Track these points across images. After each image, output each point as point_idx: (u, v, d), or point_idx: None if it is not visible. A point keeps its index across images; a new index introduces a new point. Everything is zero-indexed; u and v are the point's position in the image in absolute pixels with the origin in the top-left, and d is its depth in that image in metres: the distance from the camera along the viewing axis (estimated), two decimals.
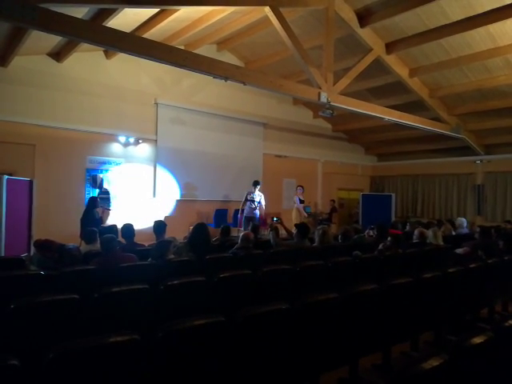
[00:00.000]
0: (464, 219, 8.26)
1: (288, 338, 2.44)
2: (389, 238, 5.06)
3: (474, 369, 1.92)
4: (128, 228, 5.01)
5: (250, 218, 8.71)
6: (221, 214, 9.56)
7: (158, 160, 9.50)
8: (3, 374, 1.56)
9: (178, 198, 9.84)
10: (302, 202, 10.41)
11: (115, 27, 5.00)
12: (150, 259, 4.02)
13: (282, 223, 6.40)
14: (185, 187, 9.88)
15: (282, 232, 6.67)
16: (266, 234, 8.36)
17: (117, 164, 8.95)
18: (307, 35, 8.11)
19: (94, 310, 2.62)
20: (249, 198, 8.88)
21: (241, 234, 4.92)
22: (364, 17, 7.42)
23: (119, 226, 5.32)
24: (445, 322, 3.85)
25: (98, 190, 8.52)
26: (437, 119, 9.99)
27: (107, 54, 8.57)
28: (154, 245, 4.48)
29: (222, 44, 9.70)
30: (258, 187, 9.01)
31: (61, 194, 8.14)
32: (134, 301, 2.78)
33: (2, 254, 5.93)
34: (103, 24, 5.80)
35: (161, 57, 5.23)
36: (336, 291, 2.74)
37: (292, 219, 9.87)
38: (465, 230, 7.62)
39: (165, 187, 9.61)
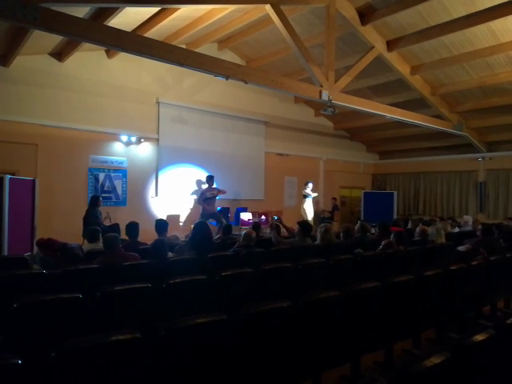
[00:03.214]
0: (470, 217, 8.28)
1: (290, 335, 2.45)
2: (392, 235, 5.06)
3: (476, 366, 1.92)
4: (133, 226, 4.99)
5: (213, 215, 8.82)
6: (222, 213, 9.55)
7: (160, 159, 9.52)
8: (6, 373, 1.56)
9: (180, 196, 9.85)
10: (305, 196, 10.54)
11: (116, 26, 5.02)
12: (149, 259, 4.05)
13: (281, 222, 6.40)
14: (187, 186, 9.89)
15: (283, 230, 6.67)
16: (268, 232, 8.37)
17: (119, 163, 8.97)
18: (308, 33, 8.11)
19: (97, 309, 2.62)
20: (209, 195, 8.91)
21: (243, 233, 4.93)
22: (365, 14, 7.41)
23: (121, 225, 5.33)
24: (447, 320, 3.85)
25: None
26: (438, 117, 9.96)
27: (109, 54, 8.58)
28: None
29: (223, 42, 9.69)
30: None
31: (63, 193, 8.15)
32: (137, 299, 2.79)
33: (5, 253, 5.95)
34: (104, 23, 5.81)
35: (162, 56, 5.23)
36: (338, 289, 2.74)
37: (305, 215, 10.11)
38: (468, 228, 7.63)
39: (167, 186, 9.63)
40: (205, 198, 8.90)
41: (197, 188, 9.91)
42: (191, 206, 9.95)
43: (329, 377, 2.88)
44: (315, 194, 10.65)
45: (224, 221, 8.47)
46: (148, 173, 9.41)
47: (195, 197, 9.81)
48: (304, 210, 10.39)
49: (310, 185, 10.46)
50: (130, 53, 5.20)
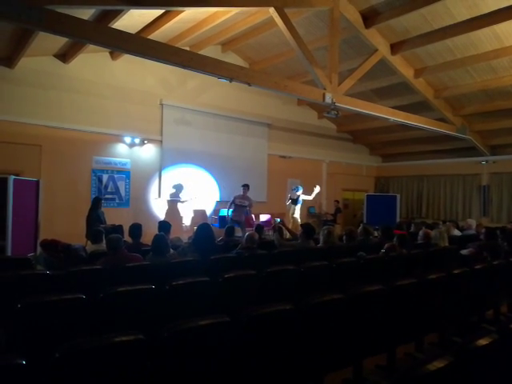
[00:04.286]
0: (473, 220, 8.25)
1: (292, 338, 2.45)
2: (395, 238, 5.05)
3: (479, 371, 1.91)
4: (136, 227, 5.01)
5: (238, 223, 8.34)
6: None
7: (163, 160, 9.54)
8: (10, 374, 1.57)
9: (183, 198, 9.87)
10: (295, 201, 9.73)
11: (121, 28, 5.04)
12: (150, 253, 4.07)
13: (284, 224, 6.40)
14: (190, 188, 9.91)
15: (286, 232, 6.67)
16: (270, 234, 8.36)
17: (122, 164, 8.99)
18: (312, 36, 8.12)
19: (100, 310, 2.63)
20: (238, 202, 8.49)
21: (245, 235, 4.93)
22: (369, 17, 7.41)
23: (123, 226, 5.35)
24: (450, 324, 3.83)
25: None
26: (442, 120, 9.94)
27: (113, 55, 8.62)
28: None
29: (226, 45, 9.71)
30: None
31: (67, 194, 8.19)
32: (140, 301, 2.79)
33: (9, 254, 5.98)
34: (109, 25, 5.84)
35: (166, 58, 5.25)
36: (340, 292, 2.74)
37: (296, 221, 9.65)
38: (471, 231, 7.60)
39: (170, 188, 9.65)
40: (233, 205, 8.57)
41: (174, 190, 9.68)
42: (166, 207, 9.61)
43: (331, 380, 2.87)
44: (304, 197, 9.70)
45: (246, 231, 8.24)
46: (151, 174, 9.43)
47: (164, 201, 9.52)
48: (296, 219, 9.53)
49: (301, 189, 9.64)
50: (134, 55, 5.23)
